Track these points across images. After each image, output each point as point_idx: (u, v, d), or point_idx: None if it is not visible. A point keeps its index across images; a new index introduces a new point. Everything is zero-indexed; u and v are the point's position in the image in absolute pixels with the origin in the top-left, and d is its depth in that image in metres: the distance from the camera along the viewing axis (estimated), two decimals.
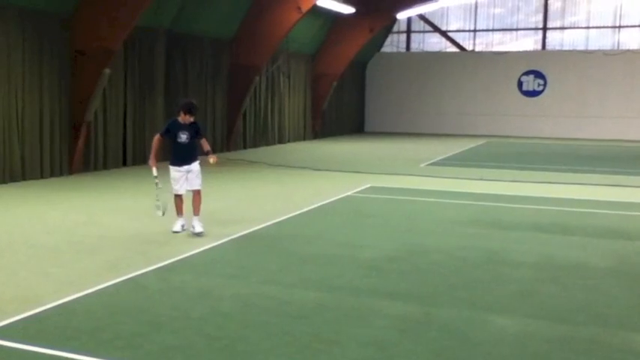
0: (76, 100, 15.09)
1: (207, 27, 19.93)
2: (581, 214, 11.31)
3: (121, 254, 7.96)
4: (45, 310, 5.82)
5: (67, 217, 10.38)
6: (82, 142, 15.37)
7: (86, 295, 6.29)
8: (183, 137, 8.97)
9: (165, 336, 5.29)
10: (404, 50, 34.11)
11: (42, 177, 14.48)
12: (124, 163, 17.10)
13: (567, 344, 5.28)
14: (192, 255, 7.95)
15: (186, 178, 9.08)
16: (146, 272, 7.12)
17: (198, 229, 8.88)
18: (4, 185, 13.35)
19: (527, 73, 31.48)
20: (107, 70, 15.04)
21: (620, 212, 11.52)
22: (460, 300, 6.41)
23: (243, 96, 21.86)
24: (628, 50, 30.10)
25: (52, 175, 14.75)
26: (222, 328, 5.50)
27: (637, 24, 30.46)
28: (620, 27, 30.69)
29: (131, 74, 17.06)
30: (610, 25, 30.76)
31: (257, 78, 22.08)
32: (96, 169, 16.03)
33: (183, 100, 9.25)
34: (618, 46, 30.59)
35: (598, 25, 30.94)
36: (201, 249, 8.22)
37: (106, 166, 16.36)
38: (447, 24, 33.22)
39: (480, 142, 28.04)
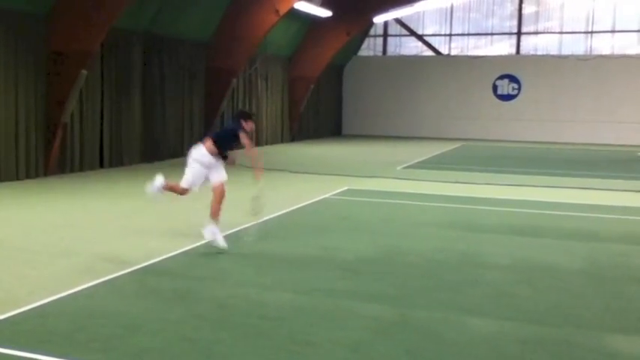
0: (53, 101, 14.98)
1: (185, 29, 19.89)
2: (554, 217, 11.47)
3: (97, 257, 7.93)
4: (19, 313, 5.79)
5: (42, 219, 10.31)
6: (58, 144, 15.25)
7: (61, 297, 6.27)
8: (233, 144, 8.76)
9: (142, 338, 5.29)
10: (380, 54, 34.29)
11: (17, 178, 14.34)
12: (101, 165, 17.01)
13: (540, 345, 5.37)
14: (169, 257, 7.94)
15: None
16: (122, 275, 7.11)
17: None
18: None
19: (501, 77, 31.82)
20: (84, 72, 14.95)
21: (591, 215, 11.71)
22: (435, 301, 6.49)
23: (221, 98, 21.84)
24: (600, 55, 30.55)
25: (28, 176, 14.62)
26: (199, 330, 5.52)
27: (609, 29, 30.94)
28: (592, 32, 31.15)
29: (108, 76, 16.98)
30: (582, 30, 31.22)
31: (234, 80, 22.08)
32: (72, 170, 15.92)
33: (242, 110, 9.17)
34: (590, 51, 31.05)
35: (571, 30, 31.39)
36: (178, 251, 8.21)
37: (82, 168, 16.25)
38: (423, 28, 33.45)
39: (456, 145, 28.26)
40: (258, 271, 7.46)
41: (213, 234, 8.25)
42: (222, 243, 8.22)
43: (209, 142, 8.53)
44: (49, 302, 6.12)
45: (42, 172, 15.07)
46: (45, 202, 11.95)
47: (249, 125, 8.59)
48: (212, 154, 8.49)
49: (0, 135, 13.96)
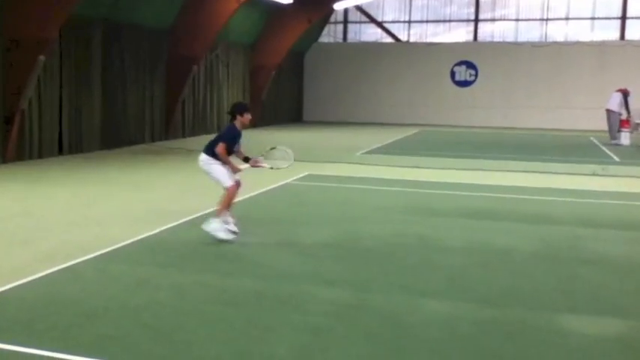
0: (10, 88, 14.69)
1: (145, 16, 19.66)
2: (509, 201, 11.71)
3: (56, 244, 7.88)
4: None
5: (1, 207, 10.18)
6: (16, 131, 15.00)
7: (20, 285, 6.23)
8: (237, 145, 8.39)
9: (102, 326, 5.30)
10: (341, 40, 34.34)
11: None
12: (60, 152, 16.78)
13: (495, 326, 5.52)
14: (129, 244, 7.93)
15: None
16: (82, 262, 7.08)
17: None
18: None
19: (459, 63, 32.17)
20: (42, 57, 14.71)
21: (545, 198, 11.98)
22: (393, 285, 6.61)
23: (182, 85, 21.70)
24: (554, 42, 31.11)
25: None
26: (159, 317, 5.55)
27: (563, 17, 31.50)
28: (547, 20, 31.69)
29: (67, 63, 16.73)
30: (538, 17, 31.73)
31: (195, 67, 21.93)
32: (31, 157, 15.68)
33: (238, 103, 8.66)
34: (545, 38, 31.58)
35: (527, 17, 31.88)
36: (138, 238, 8.19)
37: (41, 155, 16.02)
38: (382, 15, 33.58)
39: (414, 130, 28.53)
40: (219, 257, 7.50)
41: (218, 228, 8.10)
42: (224, 235, 8.08)
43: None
44: (7, 290, 6.07)
45: (0, 159, 14.82)
46: (3, 190, 11.77)
47: (246, 118, 8.28)
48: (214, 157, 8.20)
49: None
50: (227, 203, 8.25)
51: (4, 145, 14.92)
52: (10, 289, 6.12)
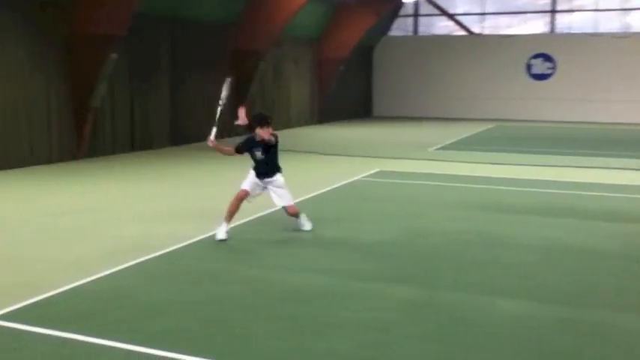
0: (82, 85, 15.08)
1: (211, 12, 19.85)
2: (587, 198, 11.28)
3: (127, 239, 8.01)
4: (51, 296, 5.86)
5: (73, 202, 10.43)
6: (89, 128, 15.40)
7: (92, 279, 6.33)
8: (258, 154, 8.48)
9: (170, 320, 5.33)
10: (411, 34, 33.94)
11: (50, 162, 14.55)
12: (133, 148, 17.16)
13: (572, 327, 5.29)
14: (199, 240, 7.97)
15: (266, 189, 8.45)
16: (152, 257, 7.16)
17: (308, 226, 8.53)
18: (11, 170, 13.41)
19: (536, 56, 31.25)
20: (114, 55, 15.02)
21: (625, 195, 11.48)
22: (464, 283, 6.42)
23: (249, 81, 21.82)
24: (636, 33, 29.84)
25: (60, 160, 14.82)
26: (225, 312, 5.54)
27: None
28: (628, 9, 30.41)
29: (136, 60, 17.07)
30: (618, 7, 30.49)
31: (262, 63, 22.03)
32: (104, 154, 16.09)
33: (257, 114, 8.59)
34: (627, 28, 30.33)
35: (606, 7, 30.67)
36: (208, 234, 8.22)
37: (113, 152, 16.42)
38: (454, 7, 33.00)
39: (489, 126, 27.92)
40: (287, 254, 7.46)
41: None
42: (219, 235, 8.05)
43: None
44: (79, 284, 6.18)
45: (74, 155, 15.25)
46: (76, 186, 12.08)
47: (265, 132, 8.15)
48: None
49: (32, 120, 14.16)
50: (230, 205, 8.12)
51: (78, 143, 15.32)
52: (82, 283, 6.22)
